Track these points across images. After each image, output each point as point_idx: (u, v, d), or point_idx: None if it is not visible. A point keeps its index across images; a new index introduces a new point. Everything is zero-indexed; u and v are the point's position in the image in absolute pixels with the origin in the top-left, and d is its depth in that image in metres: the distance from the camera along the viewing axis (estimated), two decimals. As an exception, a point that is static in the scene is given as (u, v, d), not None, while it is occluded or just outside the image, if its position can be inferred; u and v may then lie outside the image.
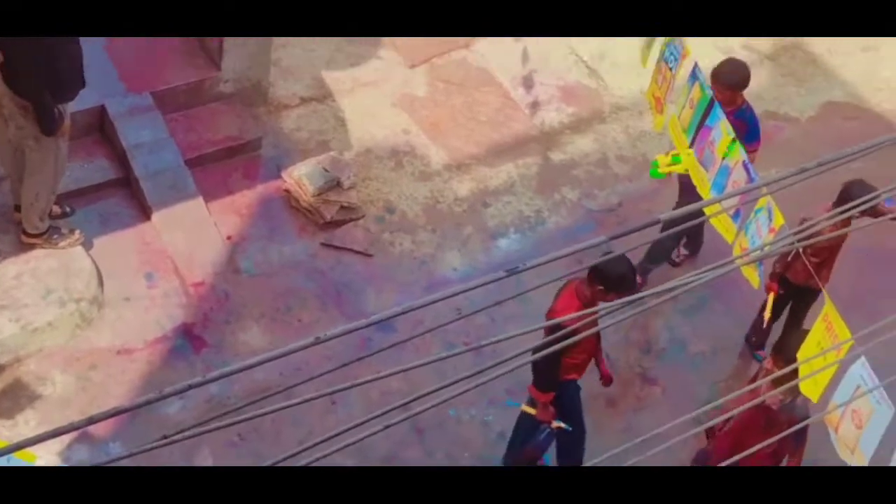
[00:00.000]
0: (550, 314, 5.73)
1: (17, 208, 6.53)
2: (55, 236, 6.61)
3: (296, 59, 8.26)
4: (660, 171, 6.79)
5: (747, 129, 6.78)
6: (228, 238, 7.17)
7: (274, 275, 7.09)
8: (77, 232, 6.71)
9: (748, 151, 6.66)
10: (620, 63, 8.89)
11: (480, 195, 7.85)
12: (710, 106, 6.10)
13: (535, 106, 8.54)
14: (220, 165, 7.49)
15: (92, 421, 2.88)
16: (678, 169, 6.72)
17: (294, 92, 8.08)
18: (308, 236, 7.34)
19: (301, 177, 7.42)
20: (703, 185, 6.17)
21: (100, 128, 7.28)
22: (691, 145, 6.30)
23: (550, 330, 5.66)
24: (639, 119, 8.64)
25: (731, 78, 6.77)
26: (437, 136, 8.11)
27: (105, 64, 7.38)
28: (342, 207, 7.44)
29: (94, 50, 7.14)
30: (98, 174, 7.14)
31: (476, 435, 6.67)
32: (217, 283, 6.92)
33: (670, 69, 6.42)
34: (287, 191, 7.48)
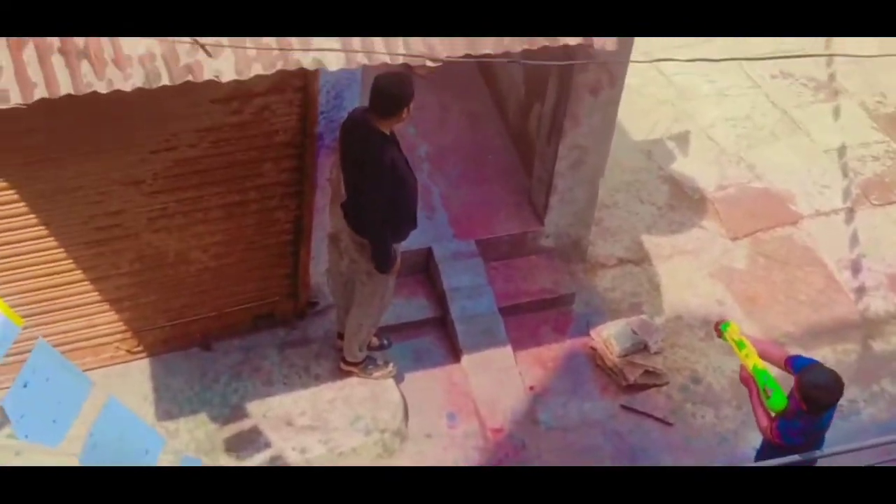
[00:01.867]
0: None
1: (340, 336, 6.91)
2: (370, 367, 6.95)
3: (618, 220, 8.40)
4: (726, 335, 6.15)
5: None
6: (531, 388, 7.28)
7: (571, 430, 7.11)
8: (391, 365, 7.03)
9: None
10: (959, 256, 8.45)
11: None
12: None
13: (860, 291, 8.22)
14: (531, 316, 7.67)
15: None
16: (738, 354, 6.01)
17: (612, 252, 8.19)
18: (609, 396, 7.34)
19: (609, 336, 7.47)
20: None
21: (424, 268, 7.66)
22: None
23: None
24: (974, 316, 8.13)
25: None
26: (752, 310, 7.95)
27: (437, 209, 7.81)
28: (646, 372, 7.40)
29: (428, 194, 7.60)
30: (417, 312, 7.49)
31: None
32: (515, 432, 7.02)
33: None
34: (593, 349, 7.54)
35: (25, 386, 3.32)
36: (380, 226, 6.19)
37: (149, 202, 6.15)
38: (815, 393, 5.58)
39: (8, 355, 3.44)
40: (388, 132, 6.01)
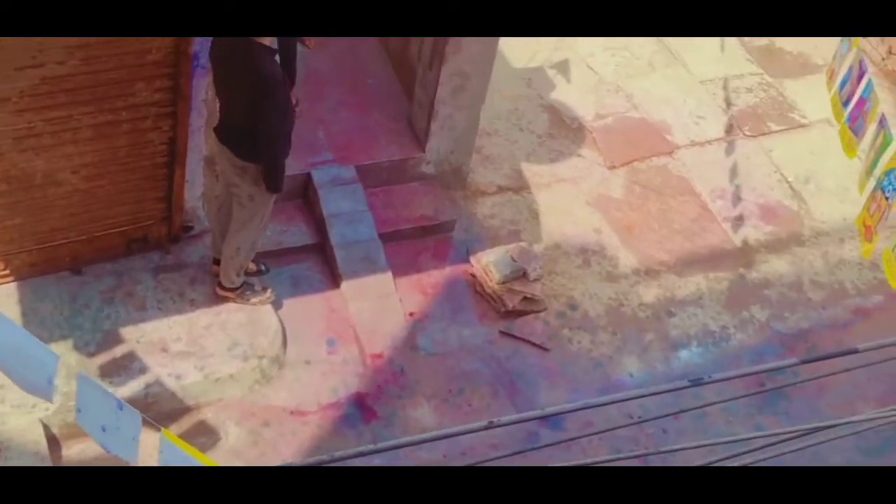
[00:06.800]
0: None
1: (216, 261, 6.77)
2: (248, 292, 6.84)
3: (498, 148, 8.40)
4: None
5: None
6: (411, 314, 7.27)
7: (450, 356, 7.14)
8: (269, 291, 6.92)
9: None
10: (826, 188, 8.71)
11: (666, 303, 7.75)
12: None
13: (732, 221, 8.41)
14: (411, 243, 7.64)
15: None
16: None
17: (492, 180, 8.20)
18: (488, 322, 7.38)
19: (489, 263, 7.49)
20: None
21: (303, 194, 7.55)
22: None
23: None
24: (839, 246, 8.39)
25: None
26: (628, 238, 8.07)
27: (315, 133, 7.68)
28: (525, 298, 7.46)
29: (306, 119, 7.45)
30: (296, 238, 7.39)
31: (633, 547, 6.49)
32: (394, 357, 7.02)
33: (887, 199, 6.19)
34: (473, 275, 7.56)
35: None
36: (274, 143, 6.03)
37: (14, 121, 5.88)
38: None
39: None
40: (269, 44, 5.83)
